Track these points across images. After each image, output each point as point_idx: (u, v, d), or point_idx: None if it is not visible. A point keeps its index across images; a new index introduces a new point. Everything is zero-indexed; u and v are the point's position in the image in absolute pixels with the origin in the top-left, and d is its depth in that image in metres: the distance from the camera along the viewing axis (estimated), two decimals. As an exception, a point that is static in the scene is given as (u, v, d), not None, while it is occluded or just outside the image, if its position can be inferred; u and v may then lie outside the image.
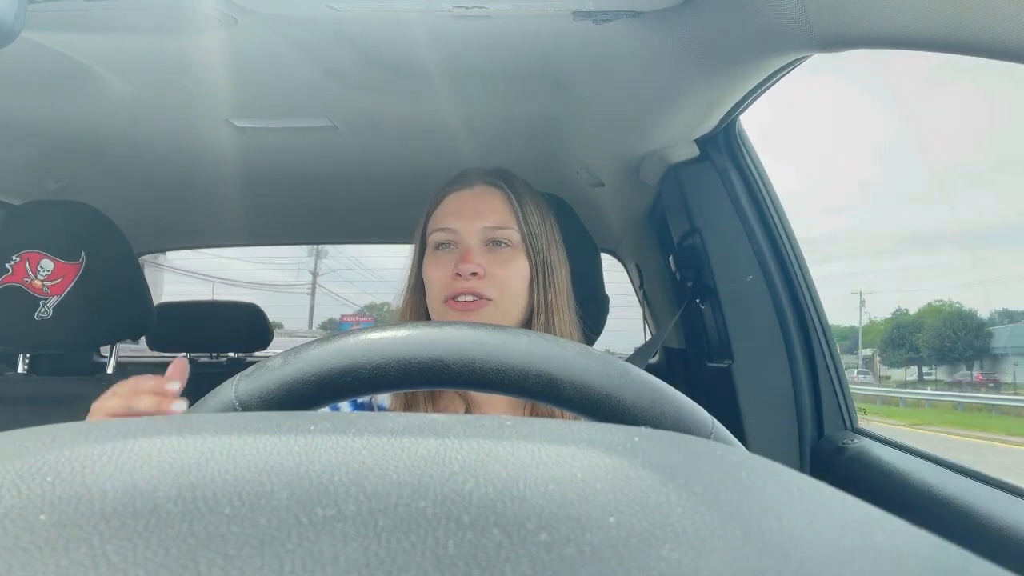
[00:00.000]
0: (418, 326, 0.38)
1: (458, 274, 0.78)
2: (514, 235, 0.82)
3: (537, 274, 0.82)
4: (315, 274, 25.38)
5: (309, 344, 0.38)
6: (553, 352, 0.37)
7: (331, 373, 0.36)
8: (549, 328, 0.81)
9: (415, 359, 0.36)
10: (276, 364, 0.37)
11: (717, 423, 0.38)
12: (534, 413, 0.78)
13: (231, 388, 0.37)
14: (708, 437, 0.37)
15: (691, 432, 0.37)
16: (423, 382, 0.37)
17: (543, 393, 0.37)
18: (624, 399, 0.36)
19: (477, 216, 0.82)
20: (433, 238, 0.84)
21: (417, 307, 0.85)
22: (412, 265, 0.88)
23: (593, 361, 0.37)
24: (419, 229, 0.88)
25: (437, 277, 0.81)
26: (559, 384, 0.36)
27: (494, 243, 0.82)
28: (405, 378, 0.36)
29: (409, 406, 0.79)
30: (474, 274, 0.78)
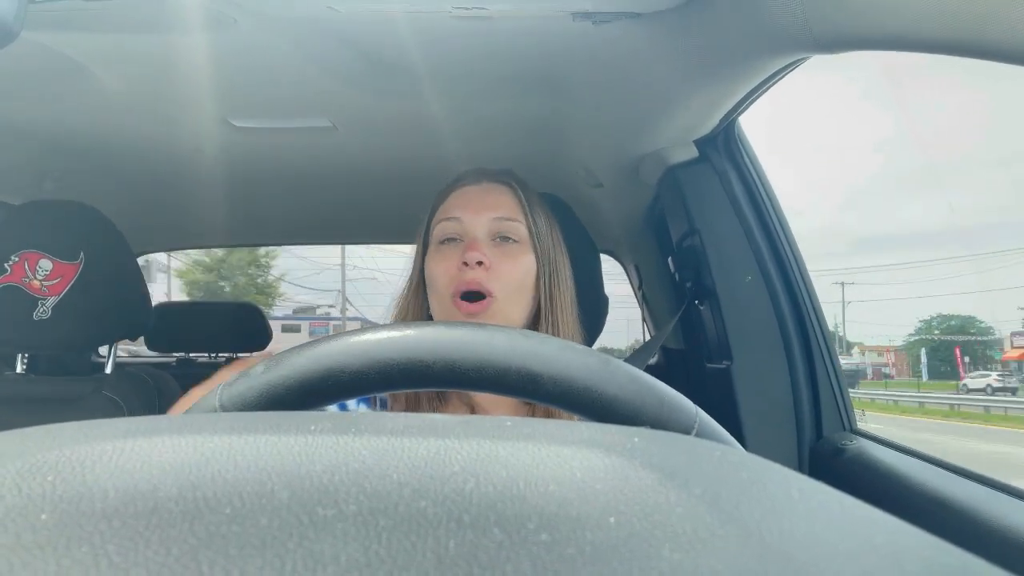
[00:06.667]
0: (398, 327, 0.37)
1: (464, 263, 0.75)
2: (521, 229, 0.80)
3: (543, 272, 0.80)
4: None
5: (290, 350, 0.38)
6: (532, 347, 0.36)
7: (312, 378, 0.36)
8: (554, 329, 0.79)
9: (395, 361, 0.36)
10: (258, 371, 0.37)
11: (701, 412, 0.38)
12: (538, 415, 0.76)
13: (215, 398, 0.37)
14: (692, 425, 0.37)
15: (674, 421, 0.36)
16: (404, 383, 0.36)
17: (523, 389, 0.36)
18: (605, 391, 0.36)
19: (485, 208, 0.80)
20: (438, 231, 0.80)
21: (418, 308, 0.82)
22: (414, 266, 0.85)
23: (573, 355, 0.37)
24: (423, 228, 0.85)
25: (443, 271, 0.77)
26: (539, 379, 0.36)
27: (501, 237, 0.79)
28: (386, 380, 0.36)
29: (413, 408, 0.76)
30: (480, 263, 0.75)
